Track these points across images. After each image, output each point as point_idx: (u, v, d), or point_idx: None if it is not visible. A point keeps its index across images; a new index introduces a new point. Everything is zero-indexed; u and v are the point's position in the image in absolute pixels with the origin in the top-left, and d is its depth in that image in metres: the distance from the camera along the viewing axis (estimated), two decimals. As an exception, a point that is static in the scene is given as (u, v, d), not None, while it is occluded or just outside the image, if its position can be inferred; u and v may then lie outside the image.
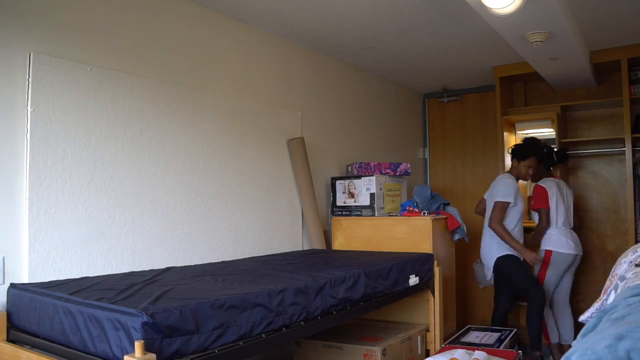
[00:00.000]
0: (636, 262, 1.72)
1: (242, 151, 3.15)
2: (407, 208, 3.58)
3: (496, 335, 3.36)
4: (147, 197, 2.57)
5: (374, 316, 3.29)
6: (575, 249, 3.67)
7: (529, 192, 4.20)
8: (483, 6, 2.48)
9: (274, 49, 3.47)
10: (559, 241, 3.66)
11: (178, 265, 2.64)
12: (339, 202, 3.76)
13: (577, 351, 0.76)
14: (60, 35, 2.25)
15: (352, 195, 3.68)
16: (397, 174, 3.79)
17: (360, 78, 4.40)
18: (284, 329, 1.90)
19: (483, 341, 3.21)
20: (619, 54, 3.90)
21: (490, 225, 3.56)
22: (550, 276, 3.67)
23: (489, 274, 3.68)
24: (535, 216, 3.82)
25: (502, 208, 3.54)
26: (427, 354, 3.01)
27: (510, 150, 3.75)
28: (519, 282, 3.54)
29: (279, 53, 3.52)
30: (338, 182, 3.78)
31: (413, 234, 3.34)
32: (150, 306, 1.53)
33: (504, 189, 3.54)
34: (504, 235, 3.49)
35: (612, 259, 4.24)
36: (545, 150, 3.75)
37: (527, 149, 3.61)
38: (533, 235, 3.84)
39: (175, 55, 2.78)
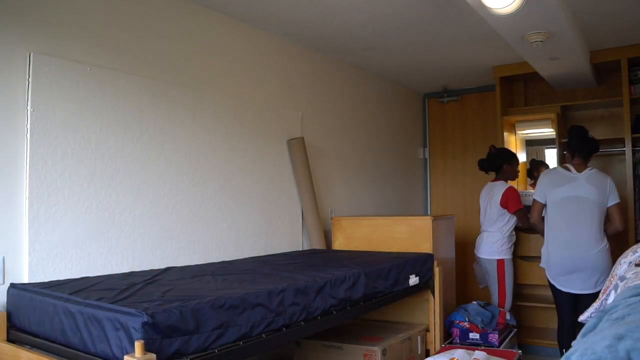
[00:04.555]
0: (636, 262, 1.72)
1: (242, 151, 3.15)
2: None
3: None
4: (147, 197, 2.57)
5: (374, 316, 3.29)
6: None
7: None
8: (483, 6, 2.48)
9: (274, 49, 3.47)
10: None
11: (178, 265, 2.64)
12: None
13: (577, 351, 0.76)
14: (60, 35, 2.25)
15: None
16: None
17: (360, 78, 4.40)
18: (284, 329, 1.90)
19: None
20: (619, 54, 3.90)
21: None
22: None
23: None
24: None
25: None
26: (427, 354, 3.01)
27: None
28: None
29: (279, 53, 3.52)
30: None
31: (413, 234, 3.34)
32: (150, 306, 1.53)
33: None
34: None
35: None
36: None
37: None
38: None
39: (175, 55, 2.78)
